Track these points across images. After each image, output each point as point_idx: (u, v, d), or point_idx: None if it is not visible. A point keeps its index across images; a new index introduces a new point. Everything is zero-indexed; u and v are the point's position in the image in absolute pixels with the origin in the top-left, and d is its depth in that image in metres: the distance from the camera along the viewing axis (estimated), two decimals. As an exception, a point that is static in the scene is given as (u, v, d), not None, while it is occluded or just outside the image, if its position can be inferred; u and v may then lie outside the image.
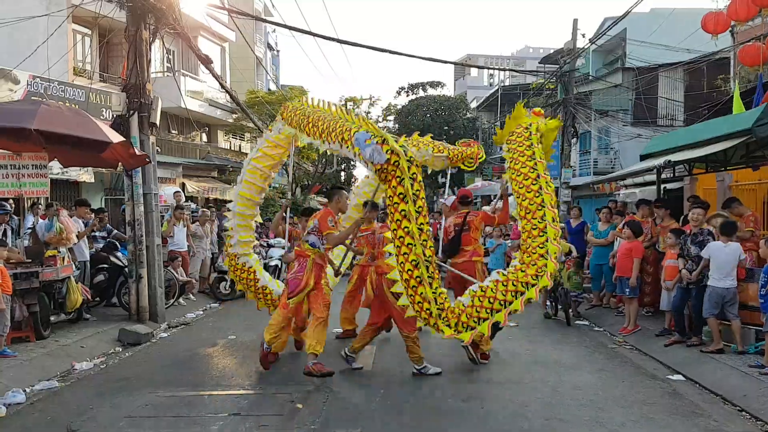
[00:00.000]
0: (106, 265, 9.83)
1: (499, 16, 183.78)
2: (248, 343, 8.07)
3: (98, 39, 18.03)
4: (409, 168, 5.85)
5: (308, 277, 6.29)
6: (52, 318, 8.00)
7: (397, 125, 38.64)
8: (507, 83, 38.43)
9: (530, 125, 7.12)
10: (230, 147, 27.31)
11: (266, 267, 11.03)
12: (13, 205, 8.93)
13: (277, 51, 39.87)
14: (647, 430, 5.02)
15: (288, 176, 8.21)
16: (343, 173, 33.52)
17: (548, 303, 10.11)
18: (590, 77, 24.61)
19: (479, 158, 8.34)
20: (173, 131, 22.49)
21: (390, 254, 6.04)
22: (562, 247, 9.61)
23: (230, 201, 8.63)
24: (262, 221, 10.01)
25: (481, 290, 6.09)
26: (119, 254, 9.96)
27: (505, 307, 5.97)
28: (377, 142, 5.78)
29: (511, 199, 7.29)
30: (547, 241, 6.30)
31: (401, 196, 5.82)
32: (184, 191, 17.14)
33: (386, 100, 59.67)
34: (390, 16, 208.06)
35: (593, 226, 10.99)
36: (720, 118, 11.21)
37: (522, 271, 6.18)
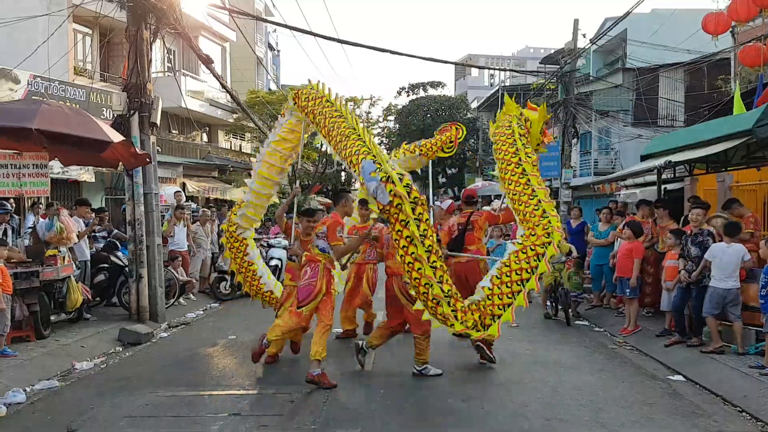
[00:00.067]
0: (106, 265, 9.84)
1: (500, 16, 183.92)
2: (248, 343, 8.06)
3: (99, 39, 18.05)
4: (414, 209, 5.72)
5: (321, 284, 6.16)
6: (52, 317, 8.01)
7: (397, 125, 38.69)
8: (508, 83, 38.36)
9: (518, 116, 7.29)
10: (231, 147, 27.32)
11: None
12: (14, 205, 8.94)
13: (278, 51, 39.93)
14: (647, 431, 5.01)
15: (297, 163, 8.19)
16: (343, 173, 33.52)
17: (548, 303, 10.10)
18: (591, 78, 24.61)
19: (458, 139, 8.47)
20: (174, 131, 22.50)
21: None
22: (563, 248, 9.66)
23: (231, 201, 8.69)
24: (262, 220, 10.01)
25: (505, 265, 6.07)
26: (120, 254, 9.96)
27: (524, 287, 5.96)
28: (381, 179, 5.68)
29: None
30: (545, 211, 6.31)
31: (408, 239, 5.71)
32: (184, 191, 17.14)
33: (387, 100, 59.71)
34: (390, 16, 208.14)
35: (593, 227, 10.98)
36: (720, 118, 11.20)
37: (533, 234, 6.18)
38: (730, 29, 13.42)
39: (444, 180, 40.10)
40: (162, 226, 10.25)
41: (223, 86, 13.53)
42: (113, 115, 10.43)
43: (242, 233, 8.43)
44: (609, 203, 12.18)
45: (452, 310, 5.86)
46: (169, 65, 21.20)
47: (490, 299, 6.01)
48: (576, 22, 18.66)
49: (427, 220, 5.86)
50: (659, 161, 10.57)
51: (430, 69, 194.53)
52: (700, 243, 7.30)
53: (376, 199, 5.78)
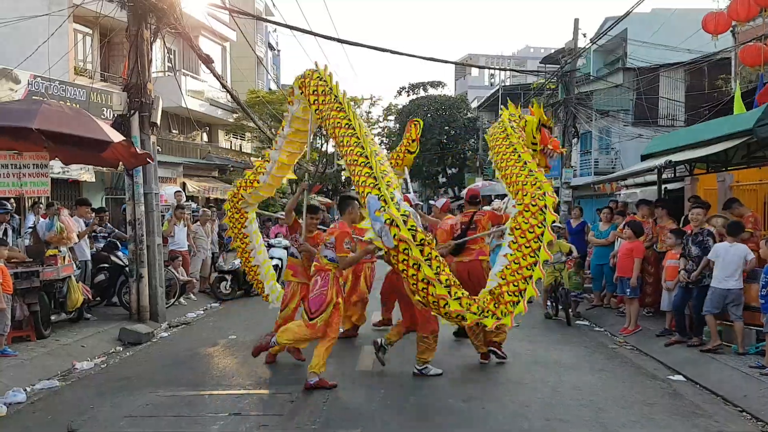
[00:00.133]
0: (106, 265, 9.84)
1: (500, 15, 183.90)
2: (249, 343, 8.06)
3: (99, 38, 18.06)
4: (422, 251, 5.61)
5: (331, 293, 6.10)
6: (52, 317, 8.01)
7: (397, 125, 38.70)
8: (508, 83, 38.43)
9: (516, 118, 7.33)
10: (231, 147, 27.34)
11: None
12: (14, 205, 8.94)
13: (278, 51, 39.99)
14: (648, 431, 5.01)
15: (306, 153, 8.19)
16: (343, 173, 33.54)
17: (549, 303, 10.10)
18: (591, 77, 24.60)
19: (418, 134, 8.58)
20: (174, 131, 22.51)
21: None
22: (563, 248, 9.67)
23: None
24: (262, 221, 10.03)
25: (515, 244, 5.99)
26: (120, 254, 9.96)
27: (533, 271, 5.90)
28: (386, 221, 5.59)
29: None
30: (541, 188, 6.21)
31: (425, 281, 5.60)
32: (184, 191, 17.16)
33: (387, 99, 59.81)
34: (391, 15, 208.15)
35: (594, 227, 10.99)
36: (721, 118, 11.21)
37: (527, 212, 6.10)
38: (731, 29, 13.43)
39: (444, 180, 40.12)
40: (162, 225, 10.25)
41: (224, 86, 13.53)
42: (113, 114, 10.42)
43: (245, 207, 8.59)
44: (609, 203, 12.18)
45: (457, 299, 5.74)
46: (170, 65, 21.21)
47: (505, 277, 5.91)
48: (576, 21, 18.70)
49: (437, 257, 5.73)
50: (660, 161, 10.58)
51: (430, 69, 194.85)
52: (700, 243, 7.31)
53: (380, 239, 5.70)
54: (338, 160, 7.17)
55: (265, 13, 30.50)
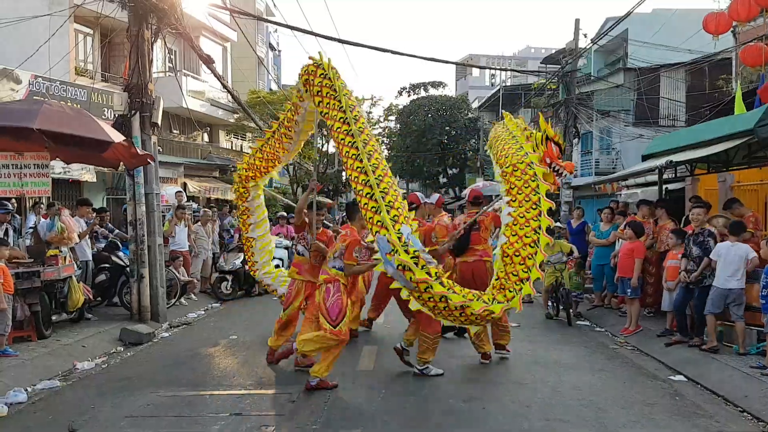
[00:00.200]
0: (107, 265, 9.84)
1: (501, 16, 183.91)
2: (249, 343, 8.09)
3: (100, 39, 18.06)
4: (442, 283, 5.64)
5: (345, 298, 6.09)
6: (53, 317, 8.02)
7: (398, 125, 38.71)
8: (509, 83, 38.40)
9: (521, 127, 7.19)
10: (232, 147, 27.33)
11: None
12: (15, 205, 8.96)
13: (279, 51, 40.00)
14: (648, 431, 5.01)
15: (314, 151, 8.22)
16: (344, 173, 33.53)
17: (549, 303, 10.10)
18: (592, 77, 24.60)
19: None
20: (175, 131, 22.51)
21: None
22: (564, 248, 9.67)
23: (232, 201, 8.78)
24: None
25: (510, 231, 5.96)
26: (121, 254, 9.97)
27: (536, 251, 5.85)
28: (397, 265, 5.56)
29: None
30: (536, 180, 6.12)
31: (462, 307, 5.66)
32: (185, 191, 17.17)
33: (388, 100, 59.77)
34: (391, 16, 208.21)
35: (595, 227, 10.98)
36: (722, 118, 11.20)
37: (521, 205, 6.06)
38: (731, 29, 13.41)
39: (445, 180, 40.12)
40: (163, 226, 10.27)
41: (224, 86, 13.53)
42: (114, 115, 10.43)
43: (251, 183, 8.76)
44: (610, 203, 12.17)
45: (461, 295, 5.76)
46: (171, 65, 21.22)
47: (506, 262, 5.90)
48: (577, 22, 18.71)
49: (455, 284, 5.83)
50: (660, 161, 10.57)
51: (431, 69, 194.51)
52: (701, 243, 7.31)
53: (397, 282, 5.75)
54: (339, 166, 7.13)
55: (266, 13, 30.52)
